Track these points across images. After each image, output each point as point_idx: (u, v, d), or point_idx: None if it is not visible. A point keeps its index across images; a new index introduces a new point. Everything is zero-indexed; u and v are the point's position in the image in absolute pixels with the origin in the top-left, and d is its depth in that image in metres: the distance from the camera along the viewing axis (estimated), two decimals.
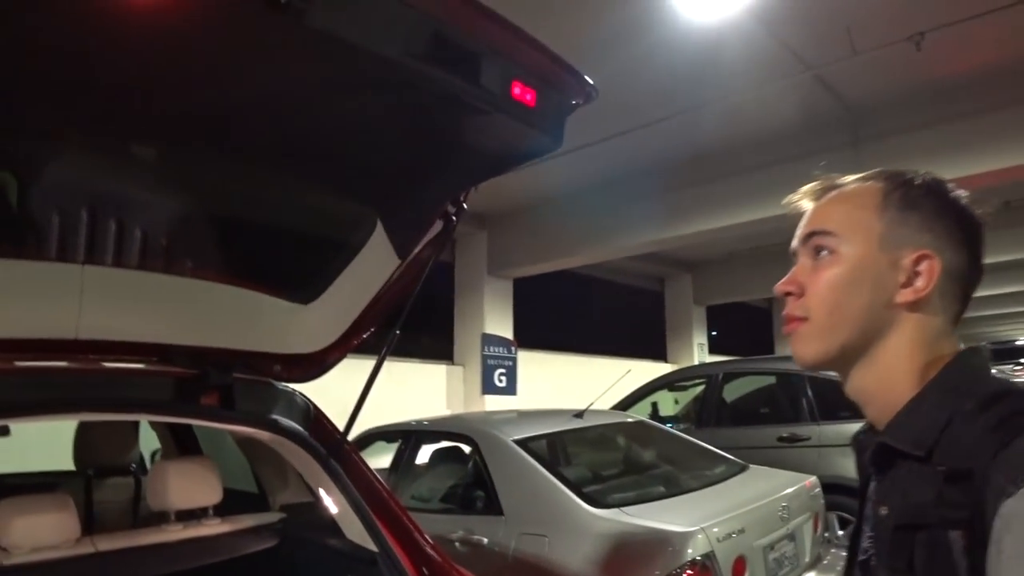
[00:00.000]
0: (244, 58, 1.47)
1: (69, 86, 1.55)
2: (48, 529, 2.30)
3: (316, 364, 2.58)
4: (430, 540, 2.42)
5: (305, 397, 2.65)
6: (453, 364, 11.59)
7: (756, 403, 7.22)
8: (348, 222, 2.26)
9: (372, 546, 2.32)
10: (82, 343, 2.13)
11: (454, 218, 2.13)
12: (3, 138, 1.75)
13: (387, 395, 9.50)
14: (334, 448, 2.51)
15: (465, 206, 2.12)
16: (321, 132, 1.80)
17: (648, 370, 9.84)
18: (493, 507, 4.04)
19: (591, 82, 1.65)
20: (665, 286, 15.70)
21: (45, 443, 4.55)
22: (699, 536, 3.36)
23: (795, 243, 1.10)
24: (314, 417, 2.61)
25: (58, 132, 1.84)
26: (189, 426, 3.95)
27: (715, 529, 3.45)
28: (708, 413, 7.04)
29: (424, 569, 2.29)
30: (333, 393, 2.85)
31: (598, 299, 14.31)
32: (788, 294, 1.07)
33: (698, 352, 14.96)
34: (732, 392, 7.31)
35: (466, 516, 4.19)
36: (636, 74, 6.41)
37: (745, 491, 4.20)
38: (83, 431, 3.60)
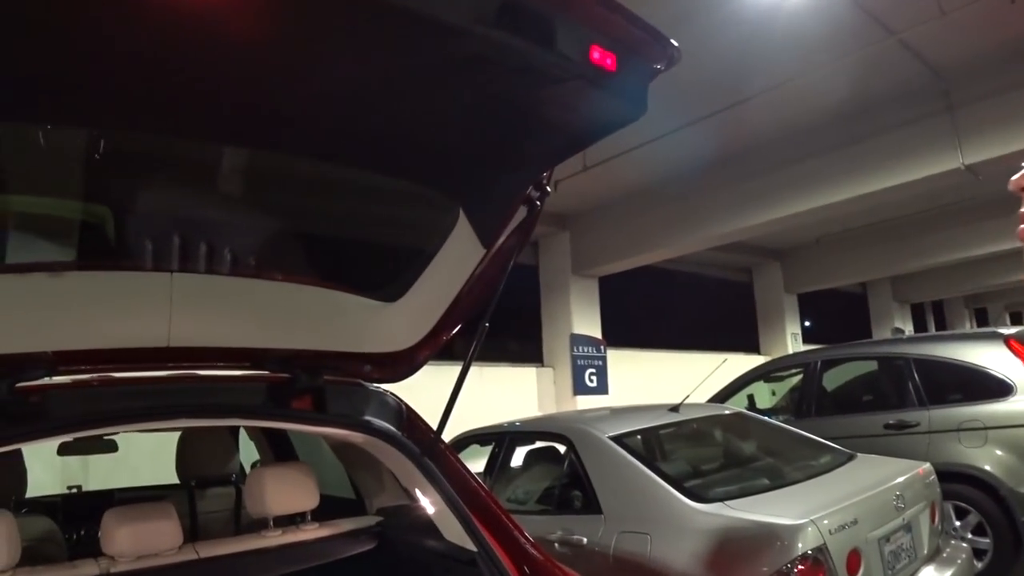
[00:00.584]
0: (310, 47, 1.43)
1: (147, 97, 1.55)
2: (151, 537, 2.34)
3: (406, 363, 2.54)
4: (530, 538, 2.35)
5: (397, 397, 2.62)
6: (543, 366, 11.57)
7: (858, 390, 6.91)
8: (430, 214, 2.22)
9: (471, 546, 2.26)
10: (174, 351, 2.15)
11: (538, 202, 2.05)
12: (80, 152, 1.77)
13: (479, 400, 9.55)
14: (428, 447, 2.47)
15: (549, 188, 2.03)
16: (396, 121, 1.76)
17: (741, 363, 9.57)
18: (592, 506, 3.95)
19: (675, 44, 1.55)
20: (754, 276, 15.33)
21: (154, 458, 4.71)
22: (810, 529, 3.19)
23: None
24: (407, 417, 2.58)
25: (141, 144, 1.86)
26: (285, 434, 4.01)
27: (826, 521, 3.27)
28: (807, 403, 6.77)
29: (525, 568, 2.22)
30: (425, 397, 2.82)
31: (686, 293, 14.07)
32: None
33: (792, 342, 14.54)
34: (832, 380, 7.01)
35: (564, 516, 4.11)
36: (708, 55, 6.25)
37: (855, 481, 4.00)
38: (184, 444, 3.68)
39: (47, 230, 1.98)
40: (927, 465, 4.34)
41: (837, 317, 17.09)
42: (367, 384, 2.57)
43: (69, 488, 4.97)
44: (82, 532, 3.65)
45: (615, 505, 3.87)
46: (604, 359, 11.48)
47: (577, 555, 3.79)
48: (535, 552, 2.28)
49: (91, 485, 6.29)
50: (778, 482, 4.02)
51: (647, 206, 9.99)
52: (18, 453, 3.15)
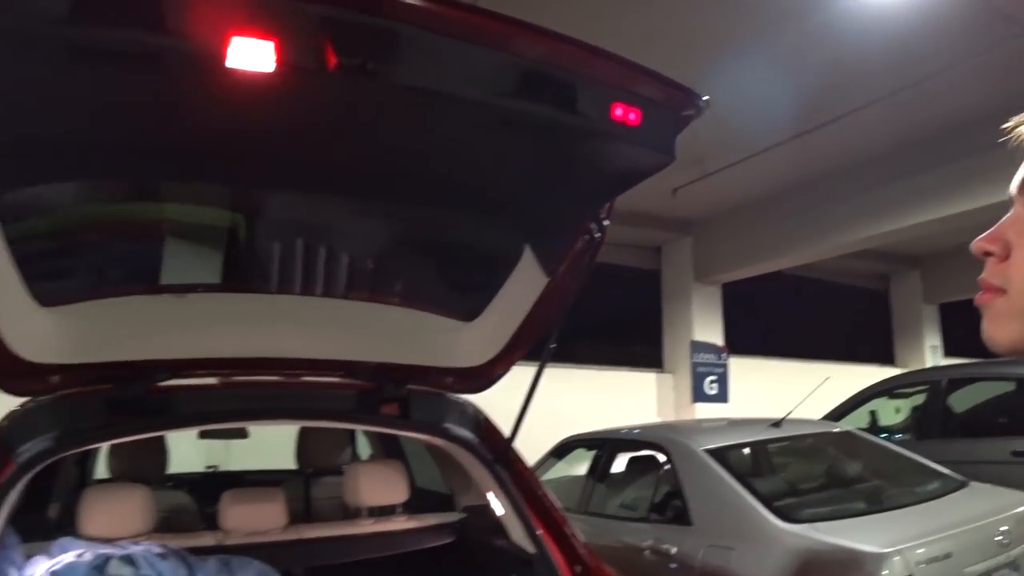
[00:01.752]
0: (397, 120, 1.68)
1: (269, 158, 1.83)
2: (260, 517, 2.71)
3: (483, 376, 2.78)
4: (585, 544, 2.53)
5: (476, 407, 2.85)
6: (663, 372, 11.56)
7: (988, 412, 6.54)
8: (500, 247, 2.43)
9: (531, 548, 2.45)
10: (278, 361, 2.46)
11: (598, 235, 2.21)
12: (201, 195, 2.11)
13: (597, 403, 9.63)
14: (500, 455, 2.68)
15: (606, 222, 2.19)
16: (465, 170, 1.98)
17: (872, 375, 9.21)
18: (683, 517, 4.03)
19: (700, 96, 1.68)
20: (891, 284, 14.61)
21: (288, 443, 5.14)
22: (896, 558, 3.12)
23: (1012, 187, 0.85)
24: (483, 425, 2.80)
25: (240, 186, 2.17)
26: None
27: (917, 551, 3.18)
28: (930, 423, 6.48)
29: (578, 568, 2.41)
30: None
31: (816, 301, 13.56)
32: (987, 254, 0.83)
33: (931, 355, 13.71)
34: (959, 401, 6.67)
35: (657, 525, 4.21)
36: (832, 56, 6.12)
37: (960, 511, 3.85)
38: (303, 436, 4.05)
39: (176, 259, 2.33)
40: None
41: None
42: (448, 394, 2.80)
43: (208, 468, 5.50)
44: (215, 507, 4.08)
45: (705, 518, 3.93)
46: (725, 367, 11.33)
47: (665, 564, 3.88)
48: (589, 558, 2.45)
49: (230, 465, 6.89)
50: (876, 507, 3.96)
51: (773, 212, 9.78)
52: (159, 436, 3.58)
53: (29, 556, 2.35)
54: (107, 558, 2.28)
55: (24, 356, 2.16)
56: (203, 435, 5.20)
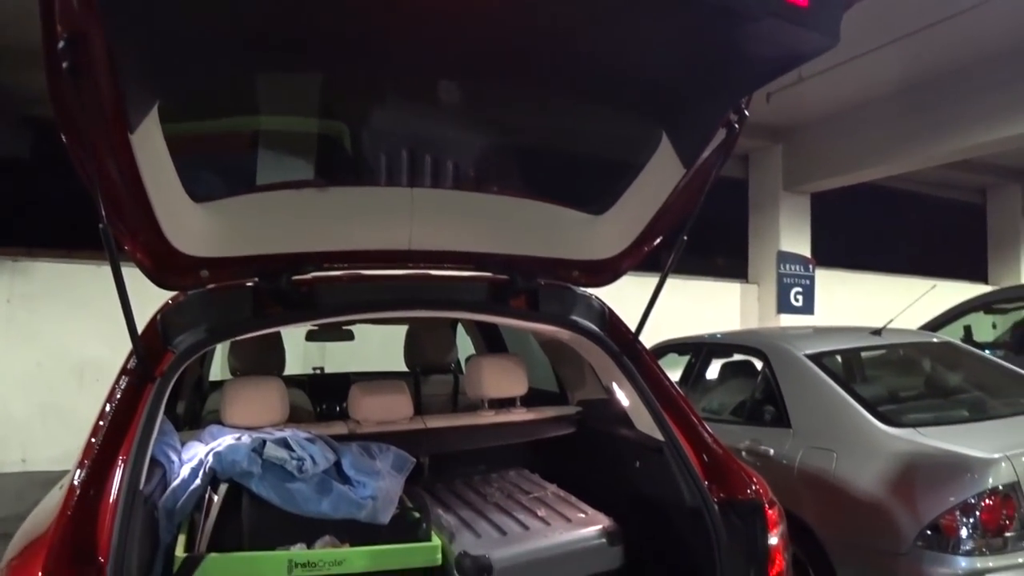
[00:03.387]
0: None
1: (382, 40, 1.83)
2: (389, 407, 2.86)
3: (610, 270, 2.82)
4: (711, 432, 2.59)
5: (601, 301, 2.90)
6: (748, 283, 11.51)
7: None
8: (636, 137, 2.42)
9: (659, 436, 2.53)
10: (414, 253, 2.55)
11: (737, 125, 2.18)
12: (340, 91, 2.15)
13: (681, 312, 9.66)
14: (626, 347, 2.75)
15: (747, 112, 2.15)
16: (605, 57, 1.95)
17: (963, 291, 8.98)
18: (782, 420, 4.07)
19: None
20: (987, 197, 14.03)
21: (381, 349, 5.31)
22: (1003, 464, 3.10)
23: None
24: (609, 319, 2.86)
25: (378, 80, 2.20)
26: (498, 331, 4.44)
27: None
28: None
29: (705, 458, 2.48)
30: (632, 306, 2.97)
31: (908, 213, 13.16)
32: None
33: None
34: None
35: (754, 427, 4.26)
36: None
37: None
38: (411, 337, 4.20)
39: (319, 154, 2.41)
40: None
41: None
42: (575, 288, 2.86)
43: (314, 369, 5.76)
44: (323, 405, 4.29)
45: (805, 421, 3.96)
46: (812, 279, 11.20)
47: (762, 464, 3.94)
48: (715, 446, 2.52)
49: (328, 369, 7.21)
50: (979, 415, 3.94)
51: (869, 120, 9.43)
52: (279, 337, 3.74)
53: (183, 443, 2.55)
54: (263, 441, 2.43)
55: (181, 249, 2.25)
56: (309, 337, 5.43)
